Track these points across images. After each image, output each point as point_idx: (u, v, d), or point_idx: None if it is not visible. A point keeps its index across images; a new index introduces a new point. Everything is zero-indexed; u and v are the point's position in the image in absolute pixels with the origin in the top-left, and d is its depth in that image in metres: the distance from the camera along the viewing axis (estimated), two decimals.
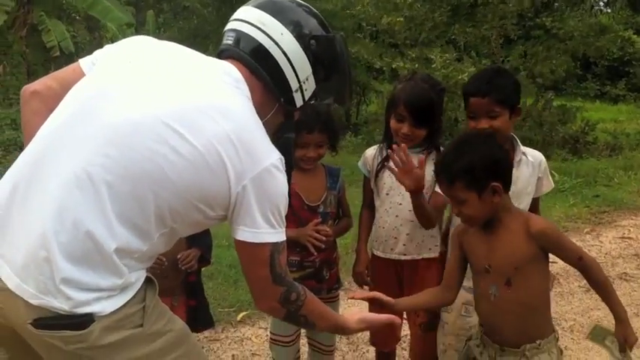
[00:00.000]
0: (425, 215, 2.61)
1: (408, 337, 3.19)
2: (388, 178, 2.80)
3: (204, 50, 1.89)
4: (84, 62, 1.86)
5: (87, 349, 1.56)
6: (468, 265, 2.35)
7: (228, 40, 1.90)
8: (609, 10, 15.35)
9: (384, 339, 2.98)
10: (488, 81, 2.53)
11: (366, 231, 2.96)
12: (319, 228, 2.76)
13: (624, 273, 5.24)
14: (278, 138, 1.90)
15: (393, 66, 9.84)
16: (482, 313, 2.32)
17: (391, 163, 2.52)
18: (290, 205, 1.83)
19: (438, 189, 2.54)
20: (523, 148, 2.65)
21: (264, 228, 1.69)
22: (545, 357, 2.20)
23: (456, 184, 2.14)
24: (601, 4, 17.69)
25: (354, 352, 3.81)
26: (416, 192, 2.50)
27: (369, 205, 2.95)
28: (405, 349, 3.52)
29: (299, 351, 3.04)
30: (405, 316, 2.96)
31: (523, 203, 2.58)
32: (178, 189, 1.62)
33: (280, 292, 1.78)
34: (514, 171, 2.36)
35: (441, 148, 2.75)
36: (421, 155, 2.57)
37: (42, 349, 1.61)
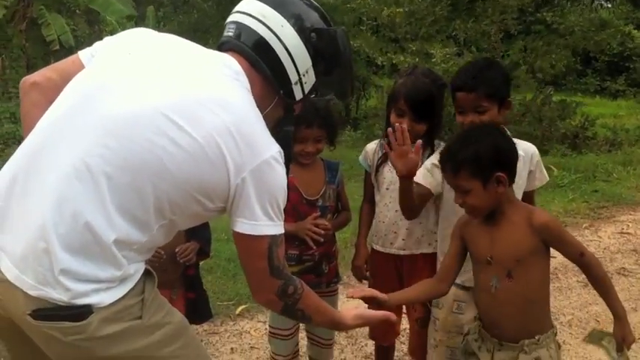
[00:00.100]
0: (409, 203, 2.55)
1: (407, 331, 3.19)
2: (388, 173, 2.80)
3: (205, 44, 1.89)
4: (83, 54, 1.86)
5: (85, 341, 1.56)
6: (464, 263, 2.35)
7: (228, 32, 1.90)
8: (609, 5, 15.29)
9: (383, 333, 2.98)
10: (475, 75, 2.48)
11: (366, 225, 2.96)
12: (318, 222, 2.76)
13: (623, 268, 5.24)
14: (277, 131, 1.90)
15: (394, 61, 9.83)
16: (481, 306, 2.32)
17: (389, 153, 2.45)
18: (289, 199, 1.83)
19: (420, 180, 2.52)
20: (514, 141, 2.61)
21: (263, 220, 1.70)
22: (544, 352, 2.20)
23: (461, 173, 2.14)
24: None
25: (353, 345, 3.82)
26: (406, 177, 2.44)
27: (370, 200, 2.95)
28: (404, 343, 3.52)
29: (298, 344, 3.04)
30: (404, 310, 2.97)
31: None
32: (177, 181, 1.62)
33: (278, 285, 1.78)
34: None
35: (436, 146, 2.74)
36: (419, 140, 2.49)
37: (41, 340, 1.61)
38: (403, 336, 3.51)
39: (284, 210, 1.77)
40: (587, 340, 2.38)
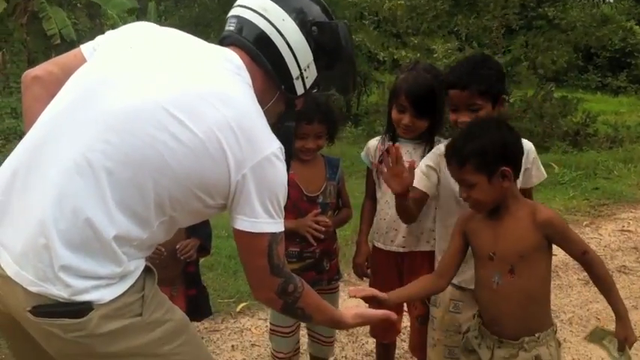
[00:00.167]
0: (405, 214, 2.52)
1: (408, 328, 3.19)
2: None
3: (206, 38, 1.88)
4: (85, 48, 1.86)
5: (85, 338, 1.56)
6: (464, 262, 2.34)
7: (230, 26, 1.89)
8: (611, 1, 15.27)
9: (383, 331, 2.98)
10: (469, 72, 2.44)
11: (368, 223, 2.95)
12: (319, 219, 2.75)
13: (623, 266, 5.24)
14: (279, 127, 1.89)
15: (395, 56, 9.82)
16: (482, 302, 2.31)
17: (383, 166, 2.39)
18: (289, 196, 1.82)
19: (416, 183, 2.49)
20: None
21: (263, 218, 1.69)
22: (544, 350, 2.20)
23: (467, 167, 2.13)
24: None
25: (354, 343, 3.81)
26: (401, 195, 2.39)
27: (372, 197, 2.94)
28: (405, 341, 3.52)
29: (299, 342, 3.04)
30: (405, 308, 2.96)
31: None
32: (178, 176, 1.62)
33: (278, 283, 1.77)
34: None
35: (435, 143, 2.73)
36: (412, 159, 2.46)
37: (41, 336, 1.60)
38: (404, 333, 3.51)
39: (284, 207, 1.76)
40: (588, 339, 2.37)
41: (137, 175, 1.59)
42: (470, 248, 2.31)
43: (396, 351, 3.26)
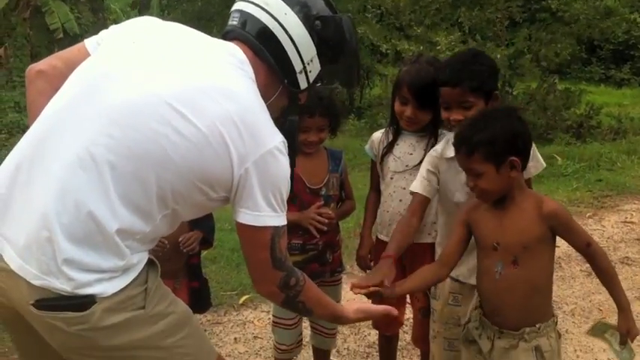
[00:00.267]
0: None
1: (411, 320, 3.19)
2: (392, 162, 2.79)
3: (209, 32, 1.88)
4: (89, 42, 1.86)
5: (89, 331, 1.56)
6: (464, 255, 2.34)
7: (233, 21, 1.89)
8: None
9: (386, 323, 2.98)
10: (460, 68, 2.42)
11: (372, 215, 2.95)
12: (321, 211, 2.76)
13: (626, 257, 5.24)
14: (282, 121, 1.89)
15: (398, 48, 9.79)
16: (484, 293, 2.30)
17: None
18: (292, 189, 1.82)
19: (418, 189, 2.50)
20: None
21: (266, 211, 1.69)
22: (544, 341, 2.20)
23: (475, 156, 2.12)
24: None
25: (356, 335, 3.82)
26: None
27: (376, 189, 2.94)
28: (407, 333, 3.53)
29: (301, 334, 3.05)
30: (408, 300, 2.97)
31: None
32: (181, 170, 1.62)
33: (280, 276, 1.78)
34: None
35: (440, 135, 2.72)
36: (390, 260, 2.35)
37: (44, 330, 1.61)
38: (406, 325, 3.51)
39: (287, 199, 1.77)
40: (590, 333, 2.37)
41: (140, 169, 1.59)
42: (472, 239, 2.31)
43: (399, 343, 3.27)
